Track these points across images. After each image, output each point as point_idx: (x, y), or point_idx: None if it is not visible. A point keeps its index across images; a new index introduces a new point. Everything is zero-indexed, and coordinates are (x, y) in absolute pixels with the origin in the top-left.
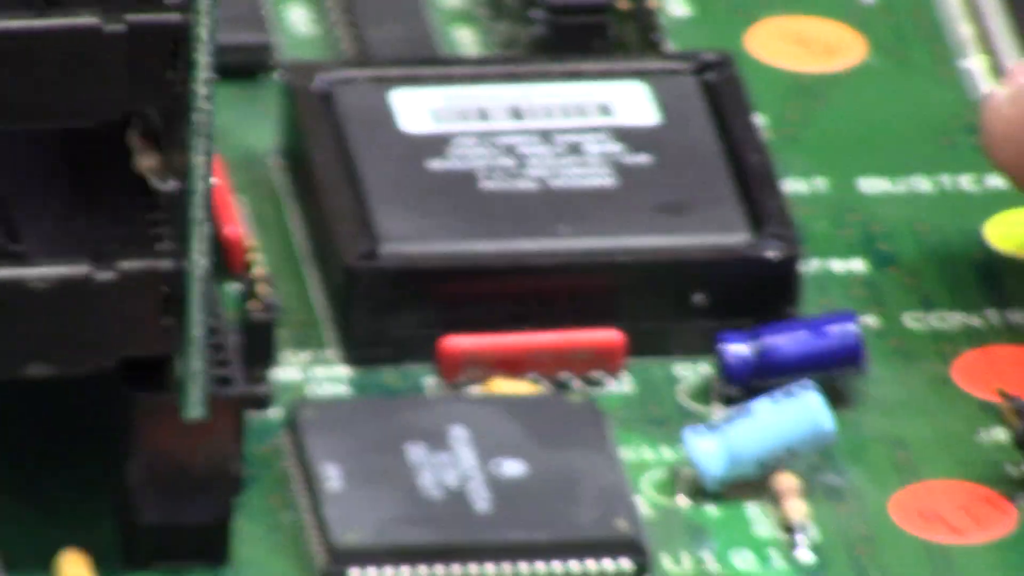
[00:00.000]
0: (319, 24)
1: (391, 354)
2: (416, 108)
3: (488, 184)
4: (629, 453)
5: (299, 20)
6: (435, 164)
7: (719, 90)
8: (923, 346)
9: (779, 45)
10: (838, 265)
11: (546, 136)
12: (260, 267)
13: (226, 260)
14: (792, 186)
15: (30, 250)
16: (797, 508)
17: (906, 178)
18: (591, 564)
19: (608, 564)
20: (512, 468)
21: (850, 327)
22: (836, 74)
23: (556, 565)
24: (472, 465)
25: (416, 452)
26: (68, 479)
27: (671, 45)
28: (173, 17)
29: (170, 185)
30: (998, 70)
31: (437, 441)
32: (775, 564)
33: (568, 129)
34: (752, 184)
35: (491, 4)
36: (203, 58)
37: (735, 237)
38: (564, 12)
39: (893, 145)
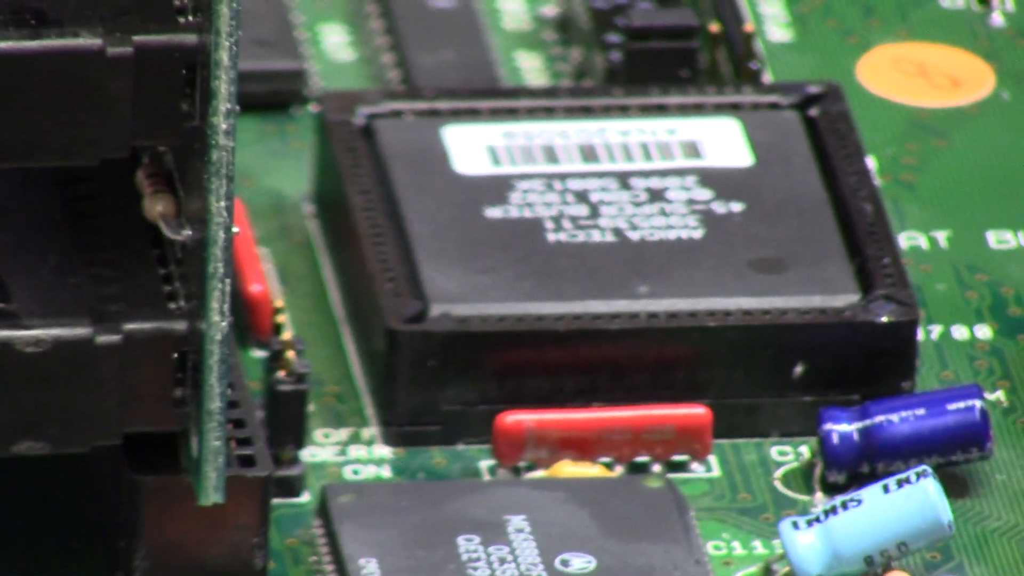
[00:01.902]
0: (360, 49)
1: (440, 432)
2: (473, 146)
3: (556, 236)
4: (716, 547)
5: (337, 44)
6: (494, 212)
7: (825, 127)
8: None
9: (895, 76)
10: (961, 332)
11: (623, 180)
12: (289, 330)
13: (250, 322)
14: (909, 240)
15: (22, 309)
16: None
17: None
18: None
19: None
20: (580, 564)
21: (973, 404)
22: (961, 109)
23: None
24: (534, 561)
25: (469, 545)
26: (65, 572)
27: (770, 75)
28: (188, 38)
29: (185, 235)
30: None
31: (493, 533)
32: None
33: (649, 172)
34: (862, 237)
35: (561, 27)
36: (224, 87)
37: (842, 299)
38: (645, 36)
39: None
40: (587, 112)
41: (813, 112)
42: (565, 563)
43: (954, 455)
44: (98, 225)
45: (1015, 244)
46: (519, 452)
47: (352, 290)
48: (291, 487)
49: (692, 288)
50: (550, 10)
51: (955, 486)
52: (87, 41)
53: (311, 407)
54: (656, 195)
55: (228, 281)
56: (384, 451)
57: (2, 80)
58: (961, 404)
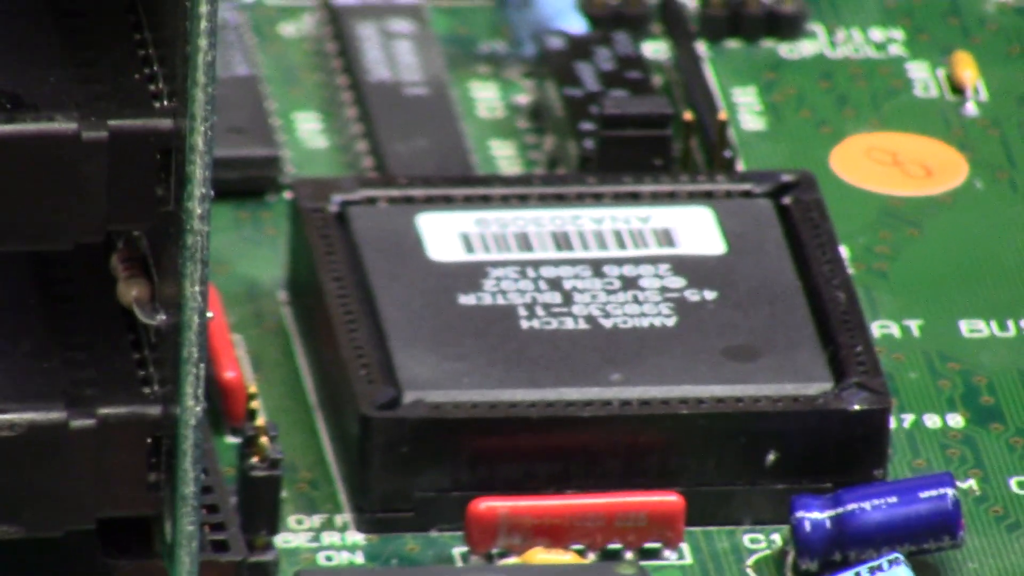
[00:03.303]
0: (334, 136)
1: (413, 518)
2: (446, 234)
3: (529, 323)
4: None
5: (311, 131)
6: (468, 299)
7: (798, 216)
8: None
9: (869, 165)
10: (933, 420)
11: (597, 268)
12: (263, 416)
13: (224, 408)
14: (881, 328)
15: None
16: None
17: (1014, 321)
18: None
19: None
20: None
21: (946, 492)
22: (934, 198)
23: None
24: None
25: None
26: None
27: (743, 164)
28: (163, 123)
29: (159, 319)
30: None
31: None
32: None
33: (623, 260)
34: (835, 325)
35: (534, 115)
36: (199, 172)
37: (814, 387)
38: (619, 124)
39: (1000, 282)
40: (561, 200)
41: (786, 200)
42: None
43: (926, 543)
44: (72, 309)
45: (987, 333)
46: (492, 539)
47: (326, 376)
48: (264, 573)
49: (665, 375)
50: (523, 98)
51: (927, 574)
52: (62, 125)
53: (284, 493)
54: (629, 283)
55: (202, 366)
56: (357, 537)
57: None
58: (933, 492)
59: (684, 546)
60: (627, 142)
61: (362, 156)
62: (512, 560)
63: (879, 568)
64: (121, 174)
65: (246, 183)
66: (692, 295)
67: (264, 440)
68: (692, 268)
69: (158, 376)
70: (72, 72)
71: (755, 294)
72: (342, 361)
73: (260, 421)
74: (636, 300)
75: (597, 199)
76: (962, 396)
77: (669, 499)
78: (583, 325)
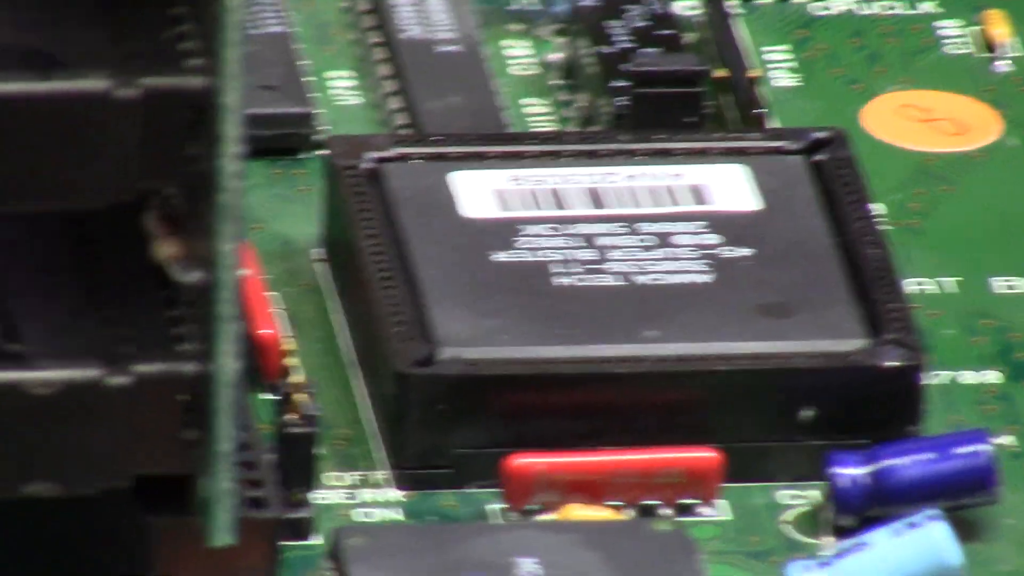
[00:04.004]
0: (368, 94)
1: (450, 475)
2: (480, 191)
3: (563, 280)
4: None
5: (345, 89)
6: (501, 256)
7: (831, 173)
8: None
9: (901, 122)
10: (969, 376)
11: (630, 225)
12: (299, 374)
13: (259, 365)
14: (915, 285)
15: (31, 351)
16: None
17: None
18: None
19: None
20: None
21: (982, 448)
22: (967, 155)
23: None
24: None
25: None
26: None
27: (776, 121)
28: (195, 81)
29: (194, 277)
30: None
31: (504, 575)
32: None
33: (656, 217)
34: (869, 282)
35: (567, 72)
36: (231, 130)
37: (849, 343)
38: (652, 82)
39: None
40: (593, 157)
41: (819, 157)
42: None
43: (963, 499)
44: (106, 267)
45: (1022, 290)
46: (528, 495)
47: (361, 333)
48: (301, 529)
49: (699, 332)
50: (556, 55)
51: (964, 530)
52: (95, 84)
53: (321, 450)
54: (663, 240)
55: (237, 323)
56: (394, 494)
57: (10, 123)
58: (969, 448)
59: (721, 502)
60: (659, 99)
61: (395, 114)
62: (548, 516)
63: (916, 524)
64: (154, 133)
65: (279, 141)
66: (726, 252)
67: (300, 397)
68: (725, 225)
69: (193, 334)
70: (104, 31)
71: (789, 251)
72: (377, 318)
73: (296, 378)
74: (670, 257)
75: (630, 156)
76: (998, 352)
77: (705, 455)
78: (617, 282)
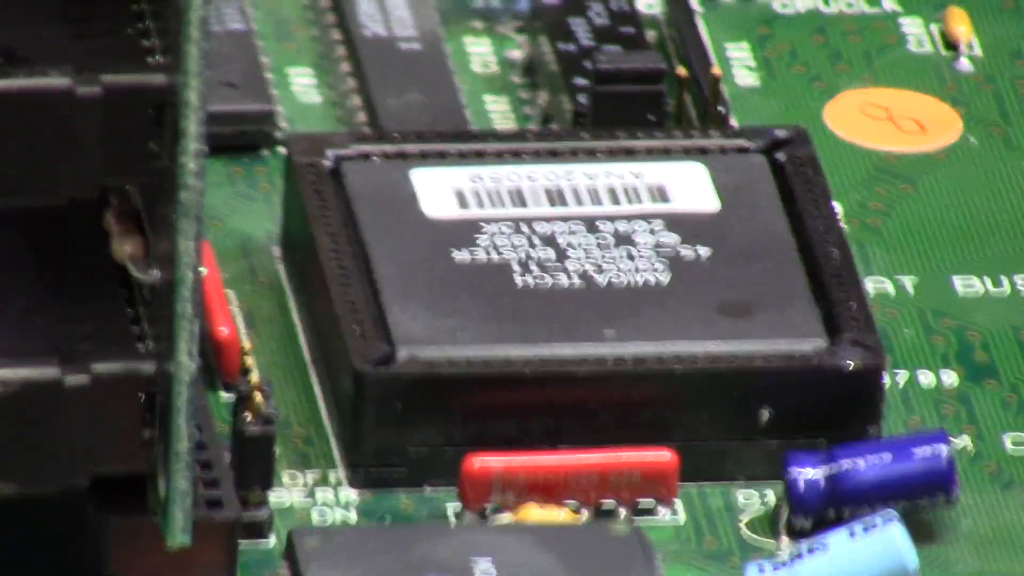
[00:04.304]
0: (328, 91)
1: (407, 475)
2: (440, 190)
3: (523, 279)
4: None
5: (305, 86)
6: (461, 255)
7: (792, 172)
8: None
9: (862, 121)
10: (927, 377)
11: (591, 224)
12: (256, 373)
13: (217, 364)
14: (875, 285)
15: None
16: None
17: (1008, 278)
18: None
19: None
20: None
21: (939, 449)
22: (928, 155)
23: None
24: None
25: None
26: None
27: (736, 120)
28: (157, 79)
29: (153, 275)
30: None
31: (458, 574)
32: None
33: (616, 216)
34: (828, 282)
35: (528, 70)
36: (192, 127)
37: (808, 344)
38: (613, 80)
39: (994, 238)
40: (554, 156)
41: (780, 156)
42: None
43: (921, 500)
44: (66, 265)
45: (981, 290)
46: (485, 495)
47: (320, 332)
48: (258, 530)
49: (659, 332)
50: (517, 53)
51: (921, 532)
52: (56, 80)
53: (278, 449)
54: (623, 239)
55: (196, 322)
56: (351, 494)
57: None
58: (928, 450)
59: (678, 503)
60: (620, 98)
61: (356, 111)
62: (505, 516)
63: (873, 526)
64: (115, 129)
65: (240, 138)
66: (686, 251)
67: (258, 397)
68: (686, 224)
69: (152, 332)
70: (65, 27)
71: (749, 250)
72: (336, 317)
73: (254, 378)
74: (630, 256)
75: (591, 155)
76: (956, 353)
77: (663, 456)
78: (577, 281)
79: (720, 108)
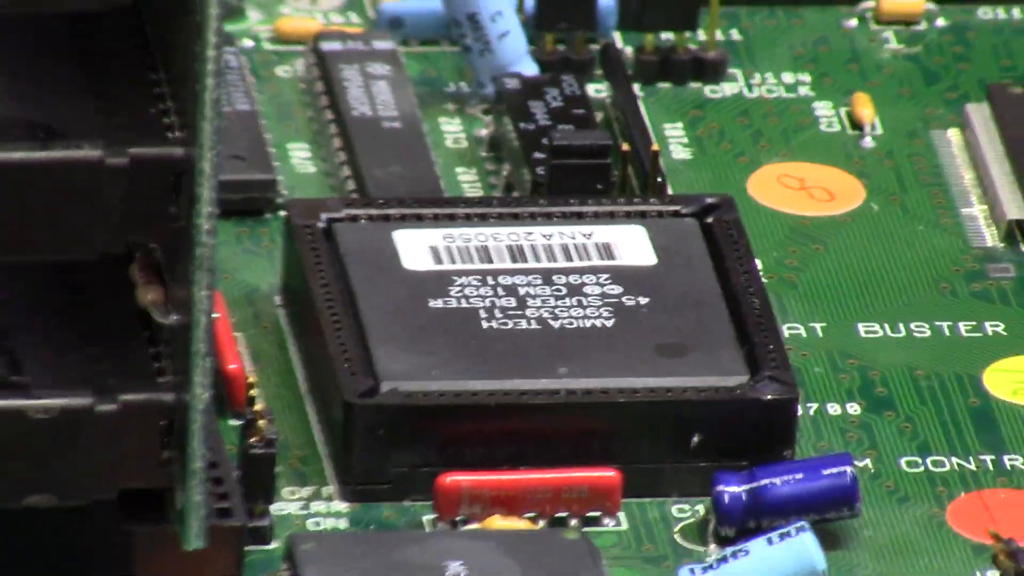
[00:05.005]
0: (322, 163)
1: (389, 490)
2: (418, 247)
3: (489, 323)
4: None
5: (302, 159)
6: (436, 303)
7: (719, 233)
8: (918, 489)
9: (780, 190)
10: (835, 409)
11: (547, 277)
12: (260, 402)
13: (227, 395)
14: (790, 330)
15: (32, 381)
16: None
17: (905, 324)
18: None
19: None
20: None
21: (845, 470)
22: (835, 218)
23: None
24: None
25: None
26: None
27: (671, 188)
28: (176, 151)
29: (172, 319)
30: (998, 217)
31: (432, 574)
32: None
33: (569, 270)
34: (750, 327)
35: (493, 146)
36: (206, 193)
37: (733, 379)
38: (566, 154)
39: (892, 291)
40: (516, 218)
41: (709, 220)
42: None
43: (828, 513)
44: (97, 310)
45: (881, 334)
46: (456, 508)
47: (314, 368)
48: (262, 536)
49: (605, 369)
50: (484, 131)
51: (829, 540)
52: (88, 153)
53: (279, 468)
54: (574, 289)
55: (209, 359)
56: (341, 506)
57: (15, 184)
58: (834, 470)
59: (621, 515)
60: (573, 169)
61: (346, 180)
62: (473, 526)
63: (788, 534)
64: (139, 194)
65: (246, 203)
66: (628, 300)
67: (262, 423)
68: (628, 277)
69: (171, 368)
70: (96, 106)
71: (682, 300)
72: (328, 356)
73: (258, 406)
74: (580, 304)
75: (547, 218)
76: (859, 388)
77: (608, 475)
78: (535, 326)
79: (658, 179)
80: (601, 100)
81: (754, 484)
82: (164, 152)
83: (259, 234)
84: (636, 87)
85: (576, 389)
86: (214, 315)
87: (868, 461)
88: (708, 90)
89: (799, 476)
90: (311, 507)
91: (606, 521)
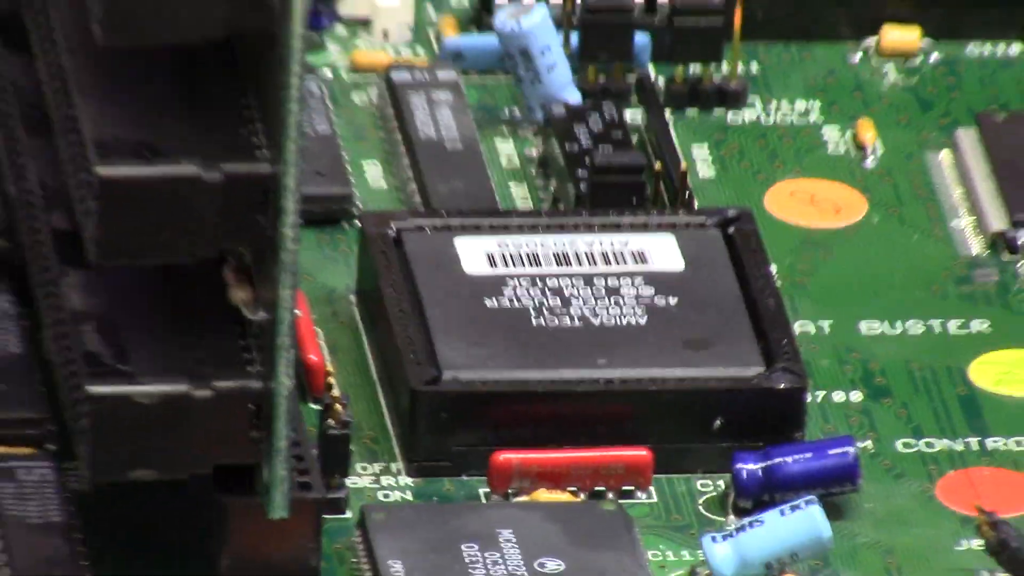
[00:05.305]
0: (392, 179)
1: (450, 467)
2: (476, 253)
3: (537, 320)
4: (654, 555)
5: (375, 175)
6: (492, 302)
7: (739, 242)
8: (911, 467)
9: (793, 204)
10: (839, 396)
11: (588, 280)
12: (337, 389)
13: (307, 383)
14: (801, 327)
15: (137, 370)
16: None
17: (901, 322)
18: None
19: None
20: (552, 566)
21: (848, 450)
22: (841, 230)
23: None
24: (518, 563)
25: (470, 552)
26: (166, 573)
27: (698, 202)
28: (264, 168)
29: (260, 316)
30: (983, 229)
31: (488, 542)
32: None
33: (607, 274)
34: (766, 325)
35: (542, 164)
36: (290, 205)
37: (750, 370)
38: (605, 172)
39: (890, 293)
40: (561, 228)
41: (731, 230)
42: (542, 565)
43: (832, 488)
44: (195, 308)
45: (880, 331)
46: (508, 482)
47: (384, 359)
48: (337, 506)
49: (638, 361)
50: (534, 151)
51: (833, 511)
52: (187, 169)
53: (353, 447)
54: (612, 291)
55: (292, 351)
56: (407, 480)
57: (124, 197)
58: (839, 450)
59: (651, 489)
60: (611, 185)
61: (413, 195)
62: (523, 499)
63: (798, 506)
64: (231, 207)
65: (326, 214)
66: (659, 300)
67: (338, 407)
68: (659, 280)
69: (258, 358)
70: (194, 128)
71: (706, 300)
72: (396, 348)
73: (335, 393)
74: (617, 304)
75: (588, 228)
76: (861, 378)
77: (640, 454)
78: (577, 323)
79: (686, 194)
80: (637, 125)
81: (768, 462)
82: (253, 169)
83: (337, 241)
84: (667, 113)
85: (613, 378)
86: (297, 312)
87: (868, 442)
88: (730, 116)
89: (808, 455)
90: (381, 481)
91: (638, 495)
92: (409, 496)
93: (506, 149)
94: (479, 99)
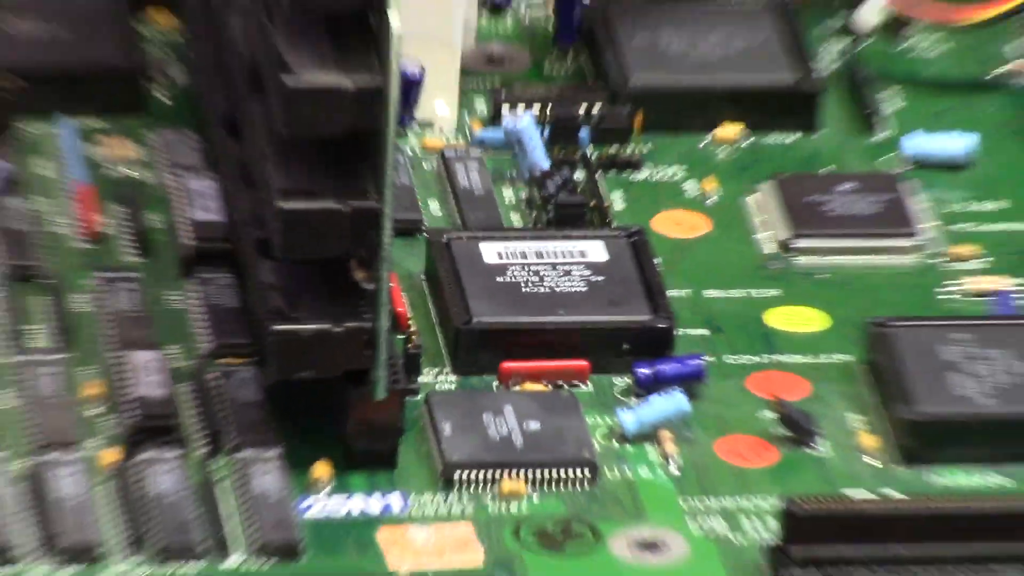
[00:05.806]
0: (444, 210)
1: (477, 372)
2: (491, 251)
3: (526, 289)
4: (590, 420)
5: (435, 208)
6: (502, 278)
7: (639, 246)
8: (734, 371)
9: (668, 224)
10: (694, 332)
11: (554, 266)
12: (413, 328)
13: (397, 323)
14: (672, 294)
15: (300, 316)
16: (670, 447)
17: (729, 290)
18: (569, 472)
19: (577, 472)
20: (533, 426)
21: (700, 362)
22: (695, 239)
23: (552, 471)
24: (514, 424)
25: (487, 417)
26: (317, 430)
27: (615, 223)
28: (373, 204)
29: (370, 286)
30: (776, 238)
31: (497, 413)
32: (659, 474)
33: (565, 263)
34: (653, 292)
35: (529, 203)
36: (387, 224)
37: (644, 317)
38: (565, 207)
39: (723, 274)
40: (540, 237)
41: (634, 239)
42: (527, 425)
43: (691, 383)
44: (335, 281)
45: (717, 295)
46: (509, 380)
47: (439, 310)
48: (413, 392)
49: (583, 312)
50: (525, 195)
51: (691, 395)
52: (328, 204)
53: (423, 360)
54: (567, 273)
55: (388, 305)
56: (453, 378)
57: (295, 221)
58: (694, 362)
59: (590, 383)
60: (567, 215)
61: (457, 220)
62: (517, 388)
63: (671, 392)
64: (355, 226)
65: (407, 230)
66: (594, 278)
67: (414, 337)
68: (594, 267)
69: (369, 310)
70: (337, 179)
71: (620, 279)
72: (446, 305)
73: (412, 329)
74: (570, 280)
75: (554, 238)
76: (705, 322)
77: (583, 364)
78: (547, 291)
79: (609, 218)
80: (581, 180)
81: (654, 369)
82: (367, 205)
83: (412, 245)
84: (598, 173)
85: (568, 322)
86: (391, 284)
87: (712, 358)
88: (633, 175)
89: (677, 365)
90: (437, 380)
91: (582, 387)
92: (453, 387)
93: (508, 194)
94: (494, 166)
